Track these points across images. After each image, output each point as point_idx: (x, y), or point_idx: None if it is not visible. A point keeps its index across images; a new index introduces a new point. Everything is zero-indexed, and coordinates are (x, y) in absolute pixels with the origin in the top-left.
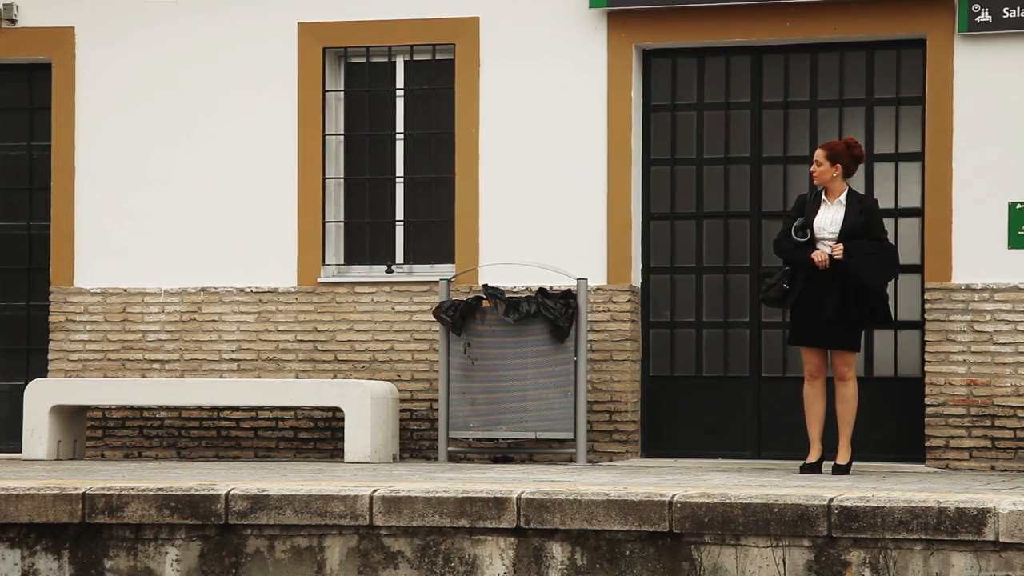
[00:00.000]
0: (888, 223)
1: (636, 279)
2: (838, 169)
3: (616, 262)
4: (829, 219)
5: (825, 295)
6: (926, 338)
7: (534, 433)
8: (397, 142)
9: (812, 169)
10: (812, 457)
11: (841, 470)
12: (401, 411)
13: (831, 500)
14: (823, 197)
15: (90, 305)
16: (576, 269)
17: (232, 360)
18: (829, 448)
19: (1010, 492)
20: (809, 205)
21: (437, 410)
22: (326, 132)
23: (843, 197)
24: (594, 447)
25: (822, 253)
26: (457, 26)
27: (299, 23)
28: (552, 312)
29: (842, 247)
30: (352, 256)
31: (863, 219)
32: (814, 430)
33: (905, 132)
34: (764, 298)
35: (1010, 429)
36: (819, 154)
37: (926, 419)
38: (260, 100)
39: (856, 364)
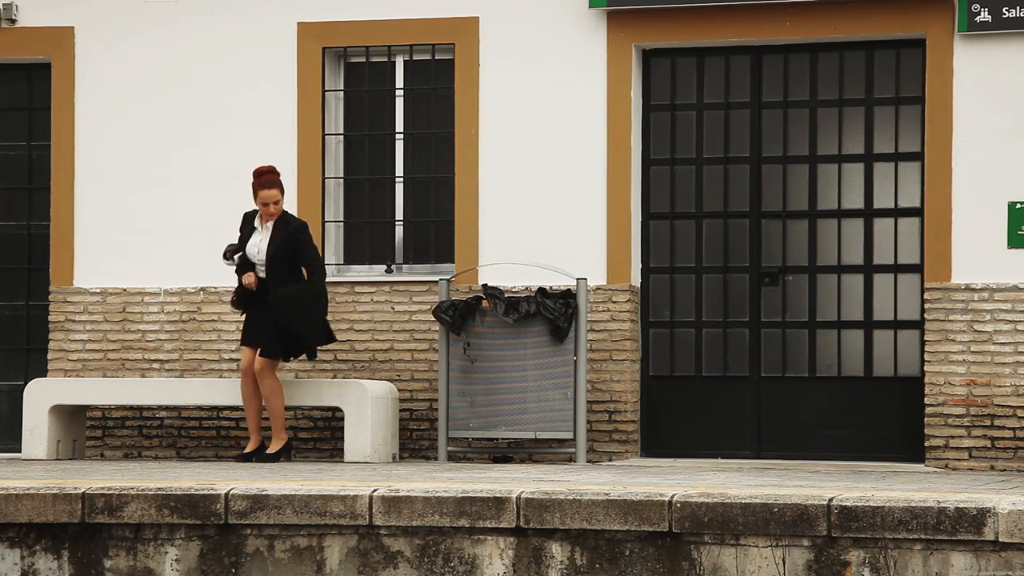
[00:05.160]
0: (888, 223)
1: (636, 279)
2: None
3: (616, 262)
4: (257, 245)
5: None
6: (926, 338)
7: (534, 433)
8: (397, 142)
9: (272, 210)
10: (249, 446)
11: (269, 458)
12: (401, 411)
13: (831, 500)
14: (256, 222)
15: (90, 305)
16: (576, 269)
17: (232, 360)
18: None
19: (1010, 492)
20: (248, 226)
21: (437, 410)
22: (326, 132)
23: (271, 223)
24: (594, 447)
25: (250, 276)
26: (457, 26)
27: (299, 23)
28: (552, 312)
29: (253, 277)
30: (352, 256)
31: (289, 243)
32: (251, 422)
33: (905, 132)
34: (233, 303)
35: (1010, 429)
36: (276, 194)
37: (926, 419)
38: (260, 100)
39: (272, 367)
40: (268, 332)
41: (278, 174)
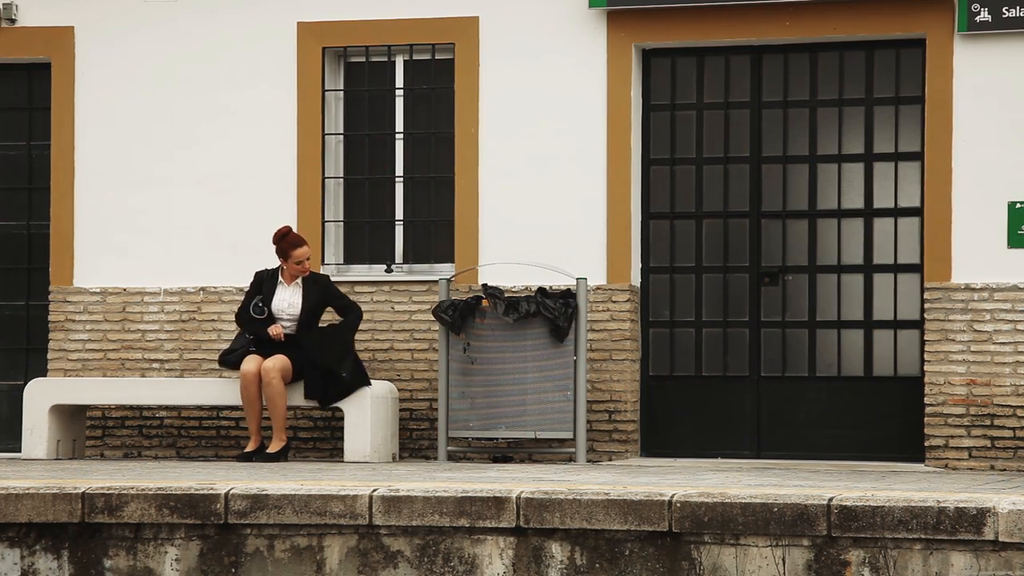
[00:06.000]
0: (887, 223)
1: (636, 279)
2: None
3: (615, 262)
4: (287, 300)
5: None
6: (926, 338)
7: (533, 433)
8: (397, 142)
9: (304, 267)
10: (249, 446)
11: (270, 457)
12: (401, 411)
13: (831, 500)
14: (280, 278)
15: (89, 305)
16: (576, 269)
17: None
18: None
19: (1009, 492)
20: (267, 284)
21: (436, 410)
22: (325, 132)
23: (300, 279)
24: (594, 447)
25: (278, 328)
26: (456, 26)
27: (299, 23)
28: (552, 312)
29: (281, 329)
30: (352, 255)
31: (323, 297)
32: (252, 423)
33: (905, 131)
34: (224, 361)
35: (1009, 428)
36: (308, 251)
37: (925, 418)
38: (260, 100)
39: (282, 374)
40: (305, 370)
41: (303, 240)
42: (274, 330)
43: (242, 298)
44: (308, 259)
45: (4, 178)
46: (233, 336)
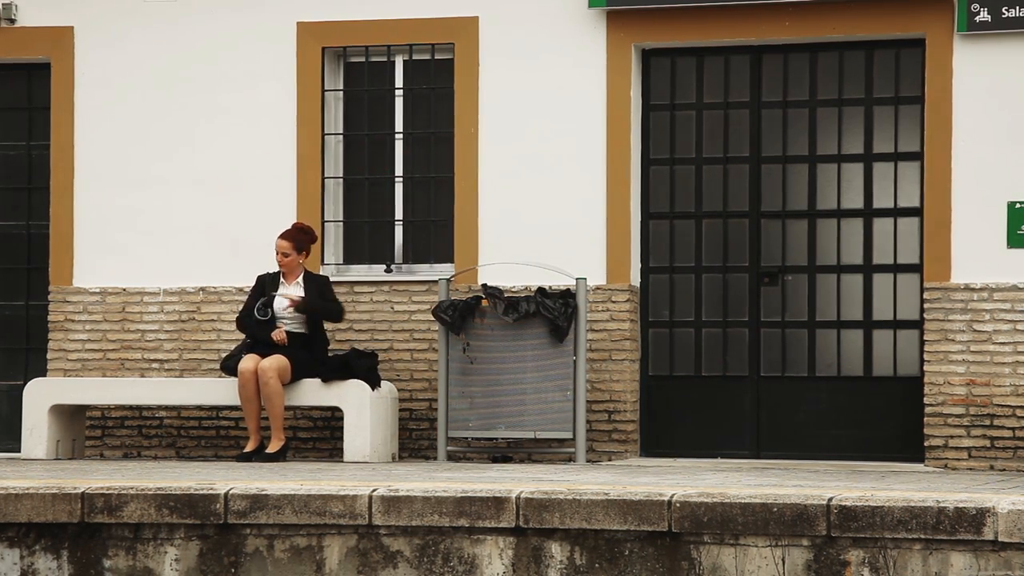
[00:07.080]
0: (887, 223)
1: (635, 278)
2: (304, 256)
3: (615, 262)
4: (290, 298)
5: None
6: (925, 338)
7: (533, 433)
8: (396, 142)
9: (281, 260)
10: (248, 446)
11: (269, 457)
12: (400, 410)
13: (830, 500)
14: (282, 278)
15: (89, 305)
16: (575, 269)
17: None
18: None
19: (1009, 492)
20: (269, 285)
21: (436, 410)
22: (325, 132)
23: (300, 279)
24: (593, 447)
25: (281, 332)
26: (456, 25)
27: (298, 23)
28: (551, 312)
29: (284, 335)
30: (351, 255)
31: (320, 295)
32: (251, 423)
33: (904, 131)
34: (225, 367)
35: (1009, 428)
36: (285, 245)
37: (925, 418)
38: (259, 100)
39: (284, 370)
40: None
41: (308, 235)
42: (278, 335)
43: (242, 298)
44: (286, 255)
45: (4, 178)
46: (232, 337)
